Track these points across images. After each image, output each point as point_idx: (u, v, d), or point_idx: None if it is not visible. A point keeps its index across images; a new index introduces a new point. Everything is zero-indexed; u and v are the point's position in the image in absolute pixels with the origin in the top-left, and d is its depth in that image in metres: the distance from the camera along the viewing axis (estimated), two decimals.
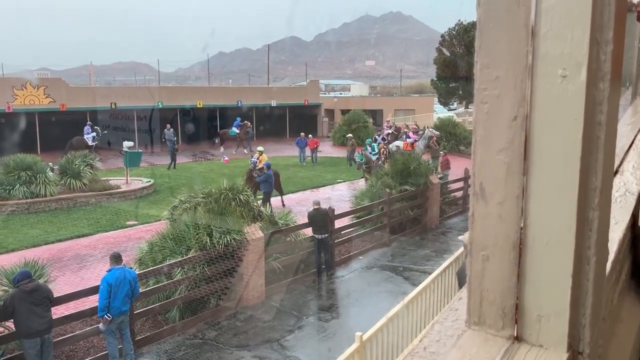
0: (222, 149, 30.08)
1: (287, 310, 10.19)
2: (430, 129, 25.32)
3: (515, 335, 0.82)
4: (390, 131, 28.52)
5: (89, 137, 27.98)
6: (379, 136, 24.77)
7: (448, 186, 17.58)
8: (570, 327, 0.78)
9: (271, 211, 14.87)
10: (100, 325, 7.87)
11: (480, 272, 0.84)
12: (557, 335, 0.79)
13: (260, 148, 19.81)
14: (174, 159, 25.46)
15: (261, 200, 15.47)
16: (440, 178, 17.04)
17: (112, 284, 7.73)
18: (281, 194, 18.04)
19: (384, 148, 22.26)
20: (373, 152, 21.66)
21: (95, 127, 29.39)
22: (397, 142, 24.25)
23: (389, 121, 32.66)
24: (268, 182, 16.35)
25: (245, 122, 32.40)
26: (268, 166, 16.70)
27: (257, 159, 18.27)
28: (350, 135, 27.75)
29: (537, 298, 0.79)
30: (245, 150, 29.38)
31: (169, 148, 28.53)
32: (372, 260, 12.95)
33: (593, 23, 0.71)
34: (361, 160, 20.74)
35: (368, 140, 23.78)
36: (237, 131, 31.00)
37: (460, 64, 40.86)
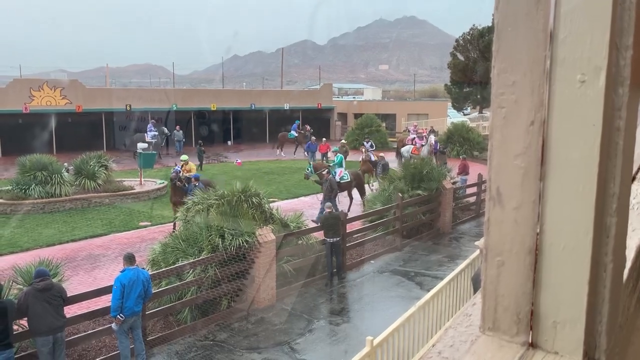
0: (278, 151, 30.30)
1: (298, 314, 10.19)
2: (431, 136, 25.32)
3: (530, 341, 0.81)
4: (414, 136, 27.92)
5: (148, 134, 28.92)
6: (367, 143, 23.83)
7: (460, 191, 17.48)
8: (586, 334, 0.77)
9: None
10: (113, 325, 7.92)
11: (496, 277, 0.83)
12: (573, 343, 0.78)
13: (184, 157, 17.46)
14: (201, 161, 25.70)
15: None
16: (453, 183, 16.95)
17: (126, 285, 7.78)
18: None
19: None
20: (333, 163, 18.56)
21: (162, 127, 30.41)
22: (408, 147, 24.29)
23: (416, 125, 31.37)
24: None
25: (305, 125, 32.68)
26: (196, 178, 14.99)
27: (182, 167, 16.42)
28: (344, 141, 27.14)
29: (552, 304, 0.79)
30: (305, 154, 28.87)
31: (176, 148, 29.00)
32: (383, 265, 12.91)
33: (613, 28, 0.70)
34: (309, 170, 18.23)
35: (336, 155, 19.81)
36: (296, 134, 31.06)
37: (475, 69, 40.67)
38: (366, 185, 20.58)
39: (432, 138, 24.56)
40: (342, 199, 17.06)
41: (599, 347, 0.80)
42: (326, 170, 17.13)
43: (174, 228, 14.74)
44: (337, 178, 17.11)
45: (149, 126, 29.67)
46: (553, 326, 0.79)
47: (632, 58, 0.73)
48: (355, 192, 17.80)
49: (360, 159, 21.98)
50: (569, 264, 0.77)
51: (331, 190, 15.97)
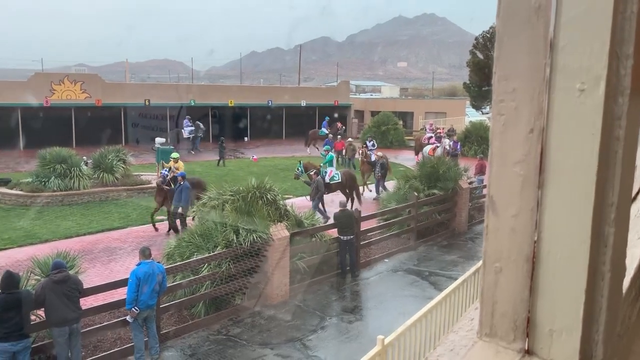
0: (309, 148, 29.86)
1: (310, 310, 10.22)
2: (445, 140, 25.03)
3: (527, 348, 0.81)
4: (431, 134, 27.43)
5: (185, 130, 30.00)
6: (369, 142, 22.79)
7: (477, 191, 17.35)
8: (582, 342, 0.77)
9: (177, 231, 13.73)
10: (128, 318, 8.03)
11: (493, 284, 0.84)
12: (569, 351, 0.78)
13: (175, 154, 17.00)
14: (222, 157, 25.96)
15: (175, 217, 14.16)
16: (470, 183, 16.83)
17: (141, 278, 7.87)
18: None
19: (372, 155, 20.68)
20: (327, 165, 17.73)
21: (197, 122, 31.17)
22: (427, 147, 24.18)
23: (432, 124, 30.80)
24: (182, 196, 13.92)
25: (336, 122, 32.18)
26: (183, 177, 14.29)
27: (169, 169, 15.98)
28: (350, 139, 26.76)
29: (549, 312, 0.79)
30: (358, 149, 28.98)
31: (195, 144, 29.53)
32: (397, 264, 12.88)
33: (613, 37, 0.70)
34: (299, 169, 17.45)
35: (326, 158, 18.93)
36: (327, 131, 30.52)
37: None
38: (367, 188, 19.87)
39: (446, 141, 24.25)
40: (334, 199, 16.58)
41: (595, 356, 0.79)
42: (314, 170, 16.38)
43: (154, 228, 14.71)
44: (327, 178, 16.63)
45: (185, 122, 30.54)
46: (549, 334, 0.79)
47: (632, 67, 0.72)
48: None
49: (360, 159, 21.50)
50: (566, 272, 0.77)
51: (317, 192, 15.38)
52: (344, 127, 31.97)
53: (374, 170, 19.40)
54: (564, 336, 0.78)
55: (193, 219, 13.92)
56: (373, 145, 22.39)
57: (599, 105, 0.71)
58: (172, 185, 14.52)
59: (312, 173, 16.25)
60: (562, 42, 0.73)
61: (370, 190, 19.77)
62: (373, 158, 20.12)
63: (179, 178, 14.29)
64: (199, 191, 14.92)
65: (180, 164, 16.64)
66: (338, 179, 16.91)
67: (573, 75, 0.72)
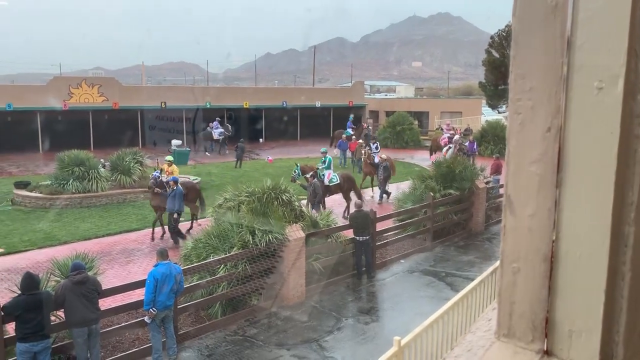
0: (335, 150, 28.46)
1: (326, 311, 10.22)
2: (456, 136, 24.86)
3: (545, 349, 0.81)
4: (449, 134, 27.06)
5: (216, 131, 30.55)
6: (372, 144, 21.80)
7: (494, 191, 17.21)
8: (602, 343, 0.76)
9: (176, 241, 13.26)
10: (146, 318, 8.10)
11: (511, 284, 0.83)
12: (589, 352, 0.77)
13: (169, 157, 16.60)
14: (239, 158, 26.06)
15: (174, 223, 13.57)
16: (486, 183, 16.69)
17: (159, 279, 7.94)
18: (193, 215, 15.06)
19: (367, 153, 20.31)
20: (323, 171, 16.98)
21: (226, 123, 32.14)
22: (448, 150, 24.05)
23: (449, 124, 29.98)
24: (175, 201, 13.47)
25: (362, 123, 31.56)
26: (175, 181, 13.87)
27: (166, 170, 15.62)
28: (361, 141, 25.72)
29: (568, 312, 0.78)
30: (362, 151, 28.65)
31: (211, 146, 29.86)
32: (413, 265, 12.82)
33: (631, 35, 0.69)
34: (297, 172, 16.64)
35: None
36: (352, 132, 29.59)
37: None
38: (368, 189, 19.45)
39: (456, 137, 24.11)
40: (333, 202, 16.19)
41: (616, 357, 0.78)
42: (311, 173, 15.80)
43: (152, 235, 14.31)
44: (326, 181, 16.27)
45: (215, 124, 31.06)
46: (569, 334, 0.78)
47: None
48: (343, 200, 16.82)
49: (362, 161, 20.95)
50: (585, 272, 0.76)
51: (315, 195, 14.79)
52: (369, 127, 31.10)
53: (377, 172, 19.03)
54: (583, 337, 0.77)
55: (153, 232, 13.82)
56: (377, 147, 21.87)
57: (618, 104, 0.71)
58: (166, 190, 14.01)
59: (308, 176, 15.75)
60: (580, 40, 0.72)
61: (372, 196, 19.40)
62: (376, 160, 19.66)
63: (171, 183, 13.76)
64: (193, 196, 14.76)
65: (174, 167, 16.22)
66: (337, 181, 16.56)
67: (591, 74, 0.72)
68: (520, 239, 0.81)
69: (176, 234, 13.78)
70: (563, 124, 0.75)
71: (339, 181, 16.63)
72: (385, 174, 18.59)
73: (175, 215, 13.58)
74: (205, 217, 14.34)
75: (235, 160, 26.14)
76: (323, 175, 16.54)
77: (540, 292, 0.80)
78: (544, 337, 0.80)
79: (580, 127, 0.73)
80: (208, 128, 31.20)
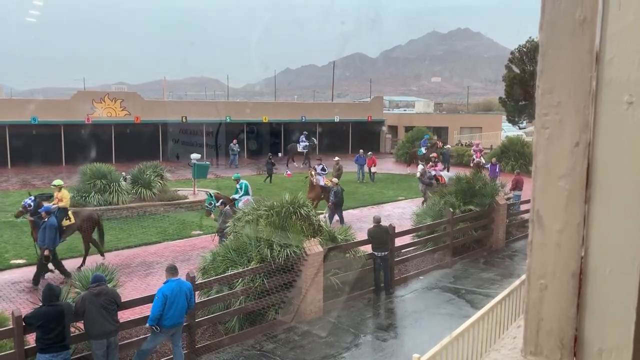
0: (408, 169, 27.96)
1: (344, 327, 10.14)
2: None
3: None
4: (478, 158, 25.49)
5: (301, 145, 31.42)
6: (318, 166, 19.88)
7: (515, 207, 17.01)
8: None
9: (37, 282, 11.02)
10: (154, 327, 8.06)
11: (538, 300, 0.82)
12: None
13: (57, 181, 13.35)
14: (269, 173, 26.17)
15: (41, 260, 11.34)
16: (507, 199, 16.50)
17: (168, 296, 7.90)
18: (97, 247, 13.17)
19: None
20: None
21: (312, 138, 33.38)
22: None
23: (479, 144, 28.46)
24: (45, 235, 11.31)
25: (438, 141, 30.00)
26: (47, 212, 11.47)
27: (55, 196, 12.82)
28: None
29: (598, 330, 0.77)
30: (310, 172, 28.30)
31: (232, 161, 30.29)
32: (432, 281, 12.69)
33: None
34: (210, 204, 14.69)
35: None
36: (424, 151, 28.10)
37: (531, 82, 39.64)
38: (320, 216, 13.57)
39: (422, 168, 20.76)
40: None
41: None
42: (221, 201, 14.19)
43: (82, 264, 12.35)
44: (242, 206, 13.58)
45: (301, 137, 31.77)
46: (598, 353, 0.77)
47: None
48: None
49: (308, 184, 18.38)
50: (615, 289, 0.74)
51: (224, 223, 12.55)
52: (442, 145, 29.27)
53: (329, 196, 16.66)
54: (614, 355, 0.75)
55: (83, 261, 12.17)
56: (323, 169, 19.70)
57: None
58: (38, 220, 11.63)
59: (218, 205, 14.10)
60: (609, 55, 0.71)
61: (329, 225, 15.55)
62: (322, 182, 18.03)
63: (43, 214, 11.36)
64: (89, 225, 12.99)
65: (64, 193, 13.05)
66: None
67: (621, 88, 0.71)
68: (548, 255, 0.80)
69: (43, 270, 11.59)
70: (592, 138, 0.74)
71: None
72: (336, 199, 16.27)
73: (45, 252, 11.39)
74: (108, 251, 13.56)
75: (267, 176, 26.12)
76: (238, 203, 14.75)
77: (569, 309, 0.78)
78: (572, 355, 0.79)
79: (610, 142, 0.73)
80: (298, 142, 31.68)
